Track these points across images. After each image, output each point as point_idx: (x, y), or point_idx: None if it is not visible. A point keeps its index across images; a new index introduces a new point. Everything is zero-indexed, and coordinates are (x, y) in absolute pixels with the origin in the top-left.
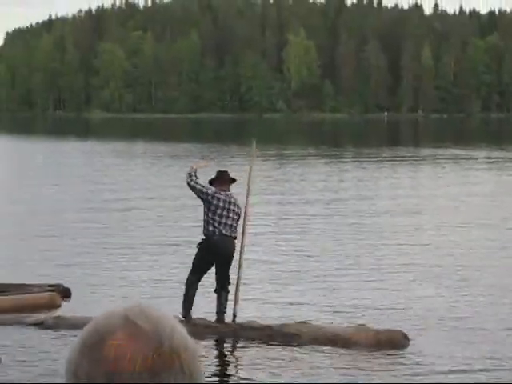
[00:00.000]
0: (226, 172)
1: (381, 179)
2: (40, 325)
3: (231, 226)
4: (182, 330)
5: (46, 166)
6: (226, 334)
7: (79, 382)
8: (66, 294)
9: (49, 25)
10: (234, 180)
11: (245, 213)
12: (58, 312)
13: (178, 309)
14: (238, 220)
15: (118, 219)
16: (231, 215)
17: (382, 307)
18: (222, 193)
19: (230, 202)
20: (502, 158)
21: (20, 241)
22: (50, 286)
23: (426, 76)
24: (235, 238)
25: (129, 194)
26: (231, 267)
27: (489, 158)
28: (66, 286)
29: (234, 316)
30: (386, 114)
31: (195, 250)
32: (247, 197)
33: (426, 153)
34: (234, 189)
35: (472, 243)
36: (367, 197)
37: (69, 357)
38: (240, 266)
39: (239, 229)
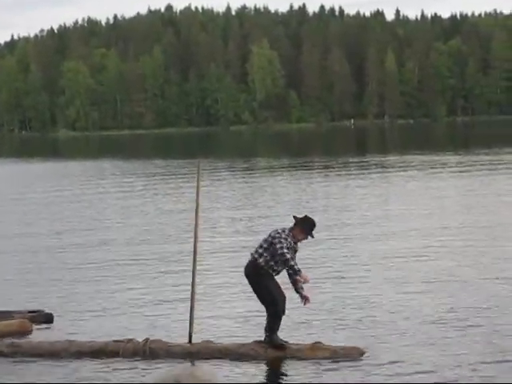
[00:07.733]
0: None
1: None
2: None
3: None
4: None
5: (20, 189)
6: (181, 355)
7: None
8: (47, 319)
9: (11, 45)
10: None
11: (194, 232)
12: (30, 338)
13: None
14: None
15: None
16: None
17: (336, 321)
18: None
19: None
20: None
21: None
22: (30, 312)
23: (391, 82)
24: (255, 260)
25: (106, 214)
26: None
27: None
28: (48, 311)
29: (190, 336)
30: (352, 121)
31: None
32: (196, 214)
33: (395, 159)
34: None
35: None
36: (338, 207)
37: None
38: (193, 285)
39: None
